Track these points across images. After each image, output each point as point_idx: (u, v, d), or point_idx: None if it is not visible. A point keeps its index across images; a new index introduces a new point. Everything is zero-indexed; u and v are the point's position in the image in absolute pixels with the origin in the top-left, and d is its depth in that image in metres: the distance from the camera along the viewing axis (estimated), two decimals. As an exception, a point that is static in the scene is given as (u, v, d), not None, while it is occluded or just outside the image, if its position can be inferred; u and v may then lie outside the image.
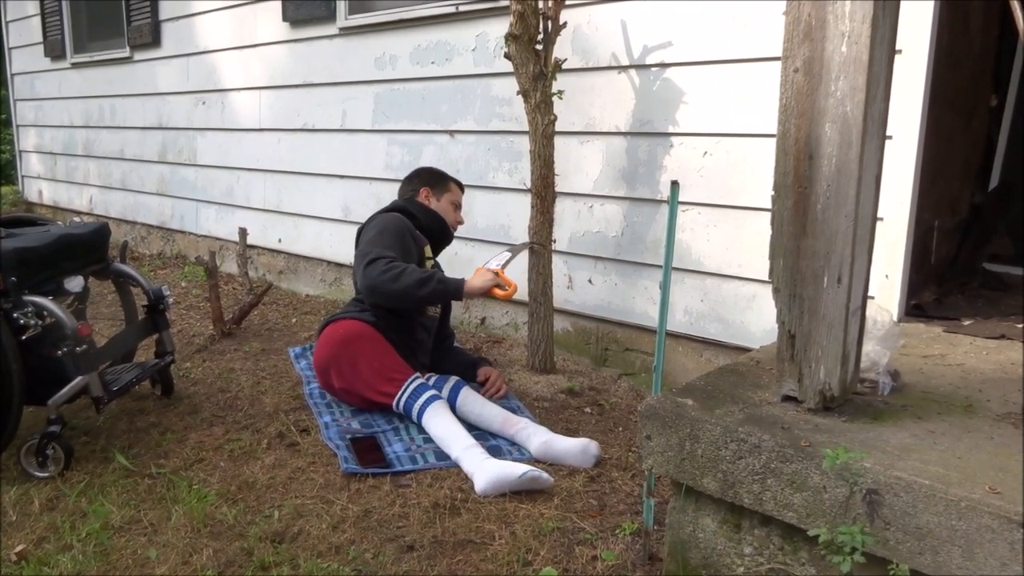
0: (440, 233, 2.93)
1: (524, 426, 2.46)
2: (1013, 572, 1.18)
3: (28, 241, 2.39)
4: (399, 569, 1.80)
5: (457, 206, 3.00)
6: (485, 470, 2.17)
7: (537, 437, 2.39)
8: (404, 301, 2.57)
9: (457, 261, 3.78)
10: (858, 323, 1.59)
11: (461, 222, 3.04)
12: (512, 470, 2.14)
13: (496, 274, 2.63)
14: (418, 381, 2.54)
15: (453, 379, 2.69)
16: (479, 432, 2.48)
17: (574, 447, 2.34)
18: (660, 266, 2.48)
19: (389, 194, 4.00)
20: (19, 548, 1.90)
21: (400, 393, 2.52)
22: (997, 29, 2.78)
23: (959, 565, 1.23)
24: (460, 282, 2.58)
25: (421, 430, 2.47)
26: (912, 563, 1.27)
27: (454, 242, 3.75)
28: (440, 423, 2.41)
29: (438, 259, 3.00)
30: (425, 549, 1.88)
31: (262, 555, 1.84)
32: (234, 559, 1.84)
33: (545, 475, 2.16)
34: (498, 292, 2.59)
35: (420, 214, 2.85)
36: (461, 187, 3.06)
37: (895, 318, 2.34)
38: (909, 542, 1.28)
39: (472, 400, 2.60)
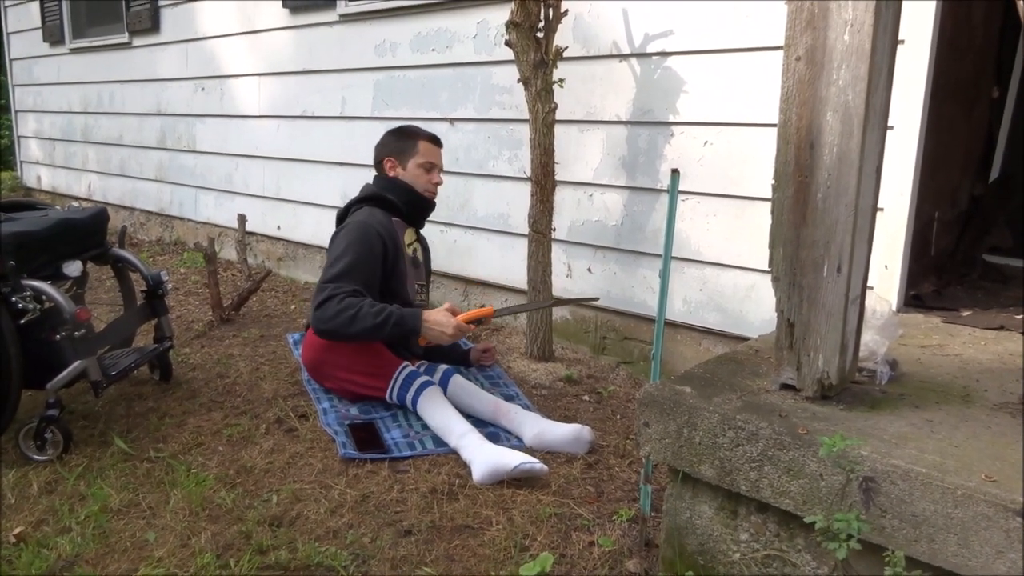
0: (416, 205, 2.76)
1: (516, 414, 2.45)
2: (1008, 560, 1.18)
3: (27, 225, 2.38)
4: (397, 553, 1.81)
5: (430, 167, 2.74)
6: (482, 461, 2.16)
7: (529, 427, 2.38)
8: (362, 341, 2.47)
9: (456, 249, 3.79)
10: (857, 312, 1.60)
11: (438, 183, 2.78)
12: (506, 462, 2.12)
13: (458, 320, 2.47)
14: (408, 370, 2.51)
15: (442, 367, 2.66)
16: (473, 420, 2.45)
17: (567, 435, 2.34)
18: (659, 255, 2.47)
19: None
20: (18, 530, 1.91)
21: (391, 385, 2.50)
22: (1000, 21, 2.77)
23: (954, 552, 1.24)
24: (418, 318, 2.42)
25: (419, 417, 2.48)
26: (908, 550, 1.27)
27: (453, 230, 3.77)
28: (436, 410, 2.40)
29: (426, 235, 2.94)
30: (423, 534, 1.89)
31: (260, 538, 1.85)
32: (232, 542, 1.85)
33: (539, 465, 2.13)
34: (467, 317, 2.48)
35: (391, 192, 2.69)
36: (434, 140, 2.78)
37: (894, 308, 2.35)
38: (905, 529, 1.28)
39: (462, 389, 2.56)
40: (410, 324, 2.41)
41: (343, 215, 2.75)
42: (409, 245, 2.76)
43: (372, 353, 2.54)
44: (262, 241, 5.00)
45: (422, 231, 2.94)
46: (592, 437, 2.35)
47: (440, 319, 2.44)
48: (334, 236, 2.62)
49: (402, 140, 2.75)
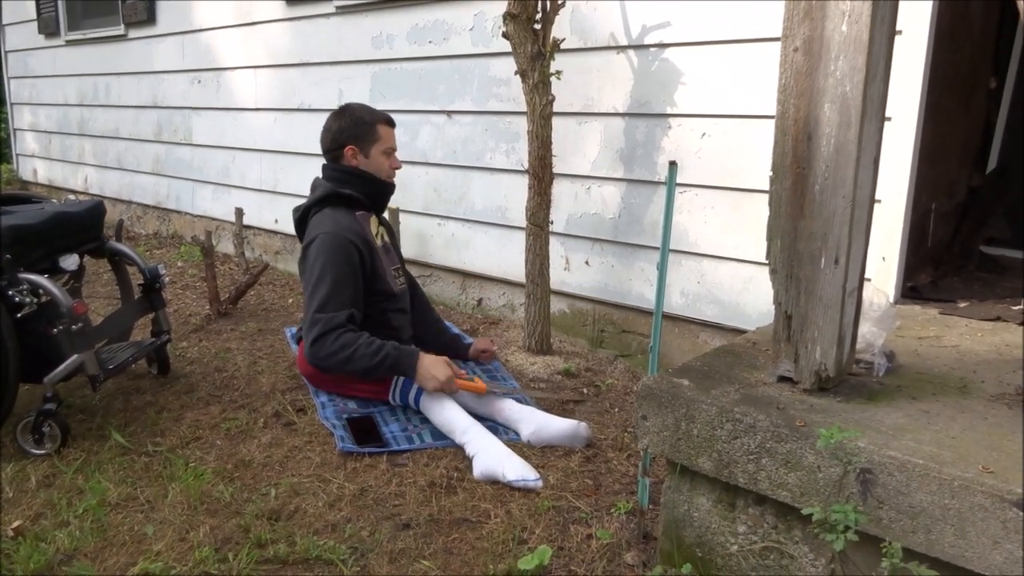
0: (381, 194, 2.71)
1: (512, 411, 2.43)
2: (1005, 550, 1.19)
3: (23, 219, 2.38)
4: (395, 547, 1.82)
5: (390, 151, 2.66)
6: (482, 460, 2.16)
7: (527, 423, 2.37)
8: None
9: (454, 243, 3.78)
10: (854, 304, 1.59)
11: (398, 167, 2.71)
12: (503, 471, 2.10)
13: (454, 373, 2.41)
14: None
15: None
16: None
17: (564, 431, 2.33)
18: (657, 248, 2.47)
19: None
20: (16, 524, 1.91)
21: (393, 386, 2.49)
22: (998, 12, 2.76)
23: (951, 543, 1.24)
24: (414, 359, 2.37)
25: (418, 411, 2.47)
26: (905, 541, 1.28)
27: (451, 223, 3.77)
28: (438, 407, 2.39)
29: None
30: (421, 527, 1.89)
31: (259, 532, 1.85)
32: (231, 536, 1.85)
33: (533, 483, 2.09)
34: (458, 383, 2.42)
35: (352, 186, 2.59)
36: (390, 122, 2.68)
37: (891, 300, 2.35)
38: (902, 521, 1.29)
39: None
40: (404, 367, 2.37)
41: (302, 219, 2.64)
42: (376, 235, 2.69)
43: None
44: (259, 234, 4.99)
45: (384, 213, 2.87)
46: (589, 433, 2.35)
47: (436, 373, 2.35)
48: (305, 251, 2.52)
49: (360, 126, 2.61)
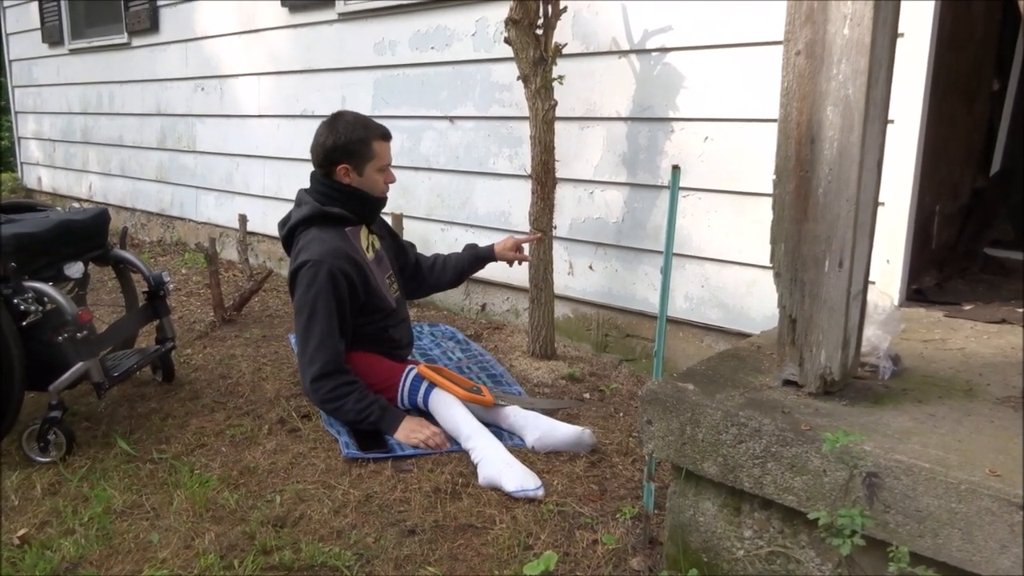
0: (369, 210, 2.62)
1: (516, 417, 2.42)
2: (1012, 554, 1.18)
3: (28, 227, 2.38)
4: (400, 553, 1.81)
5: (385, 167, 2.55)
6: (485, 467, 2.16)
7: (531, 430, 2.36)
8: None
9: (457, 248, 3.77)
10: (859, 307, 1.59)
11: (393, 181, 2.62)
12: (504, 482, 2.09)
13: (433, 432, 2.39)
14: (414, 372, 2.50)
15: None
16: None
17: (569, 437, 2.32)
18: (661, 252, 2.47)
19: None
20: (21, 532, 1.91)
21: (400, 389, 2.50)
22: (1000, 13, 2.76)
23: (958, 547, 1.23)
24: (395, 422, 2.39)
25: (421, 414, 2.47)
26: (912, 545, 1.27)
27: (454, 229, 3.78)
28: (445, 409, 2.40)
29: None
30: (426, 533, 1.89)
31: (264, 539, 1.85)
32: (236, 543, 1.85)
33: (533, 492, 2.07)
34: (466, 396, 2.44)
35: (342, 204, 2.52)
36: (387, 135, 2.55)
37: (896, 303, 2.34)
38: (909, 525, 1.28)
39: None
40: (386, 425, 2.39)
41: (288, 238, 2.60)
42: (367, 246, 2.64)
43: (374, 370, 2.53)
44: (263, 241, 5.00)
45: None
46: (593, 440, 2.34)
47: (416, 433, 2.36)
48: (294, 275, 2.46)
49: (354, 144, 2.47)
